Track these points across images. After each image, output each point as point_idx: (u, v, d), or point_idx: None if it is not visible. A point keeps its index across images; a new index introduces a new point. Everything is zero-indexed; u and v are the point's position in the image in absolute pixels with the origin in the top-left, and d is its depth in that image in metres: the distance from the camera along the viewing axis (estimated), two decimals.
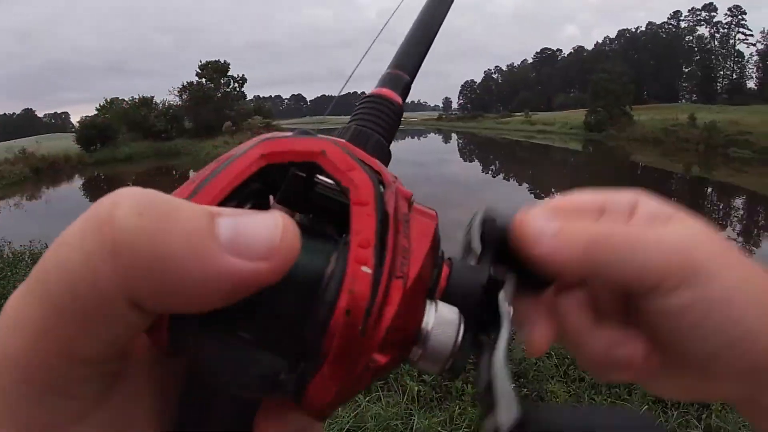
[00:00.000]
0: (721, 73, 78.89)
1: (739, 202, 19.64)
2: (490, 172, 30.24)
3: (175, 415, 0.28)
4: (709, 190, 22.67)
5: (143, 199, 0.21)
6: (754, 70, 77.66)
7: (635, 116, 45.32)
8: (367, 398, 4.75)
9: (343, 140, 0.30)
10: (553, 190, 21.73)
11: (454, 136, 61.27)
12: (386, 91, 0.41)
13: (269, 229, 0.22)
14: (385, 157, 0.37)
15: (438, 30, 0.51)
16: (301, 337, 0.24)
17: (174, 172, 30.97)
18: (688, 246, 0.34)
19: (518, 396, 0.28)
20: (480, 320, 0.30)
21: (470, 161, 37.44)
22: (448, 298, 0.30)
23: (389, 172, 0.30)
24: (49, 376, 0.21)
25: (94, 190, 25.66)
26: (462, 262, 0.33)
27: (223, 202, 0.25)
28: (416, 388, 4.83)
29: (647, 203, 0.39)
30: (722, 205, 19.48)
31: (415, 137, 63.27)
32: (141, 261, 0.19)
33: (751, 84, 75.79)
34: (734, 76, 77.63)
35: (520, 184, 24.93)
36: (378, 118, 0.39)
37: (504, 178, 27.37)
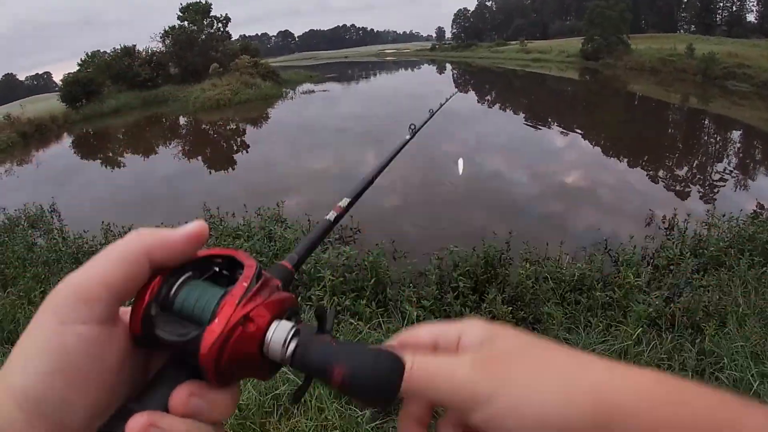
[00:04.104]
0: (721, 4, 76.86)
1: (735, 135, 19.43)
2: (485, 102, 29.87)
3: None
4: (706, 121, 22.44)
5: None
6: (754, 3, 75.72)
7: (632, 45, 44.40)
8: (368, 325, 4.73)
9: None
10: (549, 119, 21.49)
11: (448, 66, 60.37)
12: (285, 263, 0.58)
13: (194, 224, 0.46)
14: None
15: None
16: (202, 318, 0.43)
17: (164, 120, 30.45)
18: (471, 376, 0.41)
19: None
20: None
21: (465, 92, 36.95)
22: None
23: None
24: (89, 297, 0.40)
25: (84, 146, 25.22)
26: (309, 327, 0.46)
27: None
28: (415, 314, 4.80)
29: (470, 332, 0.46)
30: (718, 137, 19.30)
31: (408, 68, 62.33)
32: (153, 238, 0.43)
33: (750, 17, 74.08)
34: (734, 8, 75.71)
35: (516, 114, 24.64)
36: (279, 274, 0.53)
37: (500, 108, 27.06)
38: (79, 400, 0.38)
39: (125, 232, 4.57)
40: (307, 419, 3.57)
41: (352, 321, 4.81)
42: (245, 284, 0.43)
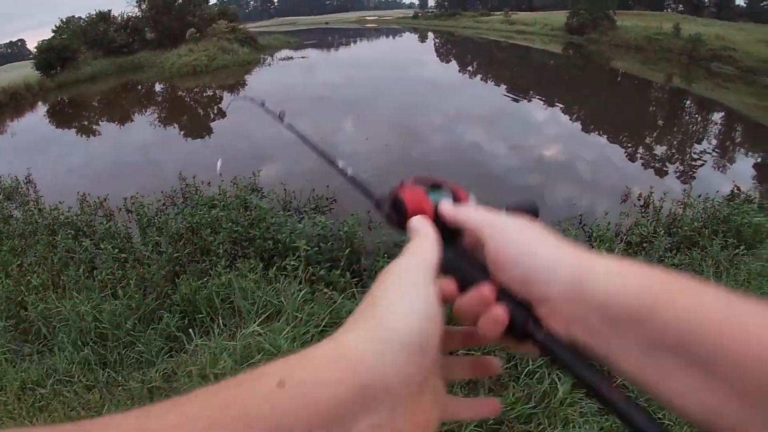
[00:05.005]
0: None
1: (717, 117, 19.56)
2: (467, 73, 29.74)
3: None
4: (688, 102, 22.55)
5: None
6: None
7: (618, 21, 44.25)
8: (342, 296, 4.74)
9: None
10: (530, 92, 21.47)
11: (430, 35, 59.89)
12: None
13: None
14: None
15: None
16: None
17: (140, 87, 29.88)
18: (485, 217, 0.56)
19: None
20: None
21: (447, 62, 36.72)
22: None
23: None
24: None
25: (59, 115, 24.65)
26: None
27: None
28: None
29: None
30: (699, 118, 19.43)
31: (390, 36, 61.77)
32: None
33: (740, 1, 73.99)
34: None
35: (497, 86, 24.56)
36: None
37: (481, 79, 26.96)
38: (436, 341, 0.47)
39: (101, 203, 4.50)
40: None
41: (327, 291, 4.82)
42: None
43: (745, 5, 71.04)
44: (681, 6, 73.79)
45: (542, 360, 4.05)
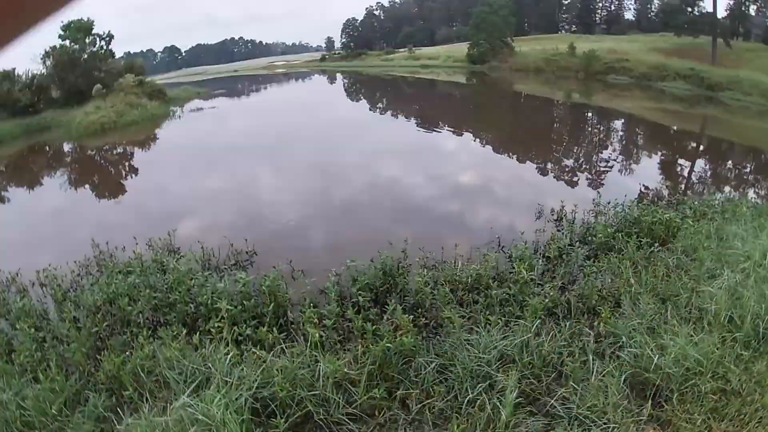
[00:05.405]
0: (600, 4, 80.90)
1: (618, 124, 20.72)
2: (377, 110, 30.21)
3: None
4: (589, 114, 23.78)
5: None
6: (632, 1, 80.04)
7: (517, 47, 46.29)
8: (271, 353, 4.64)
9: None
10: (440, 123, 22.03)
11: (339, 76, 60.77)
12: None
13: None
14: None
15: None
16: None
17: (47, 148, 28.89)
18: None
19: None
20: None
21: (357, 101, 37.22)
22: None
23: None
24: None
25: None
26: None
27: None
28: (317, 334, 4.77)
29: None
30: (602, 127, 20.50)
31: (300, 80, 62.17)
32: None
33: (629, 15, 78.33)
34: (612, 7, 79.94)
35: (408, 120, 25.02)
36: None
37: (392, 115, 27.41)
38: None
39: (13, 279, 4.32)
40: None
41: (255, 350, 4.71)
42: None
43: (633, 18, 75.54)
44: (574, 27, 77.72)
45: (482, 387, 4.11)
